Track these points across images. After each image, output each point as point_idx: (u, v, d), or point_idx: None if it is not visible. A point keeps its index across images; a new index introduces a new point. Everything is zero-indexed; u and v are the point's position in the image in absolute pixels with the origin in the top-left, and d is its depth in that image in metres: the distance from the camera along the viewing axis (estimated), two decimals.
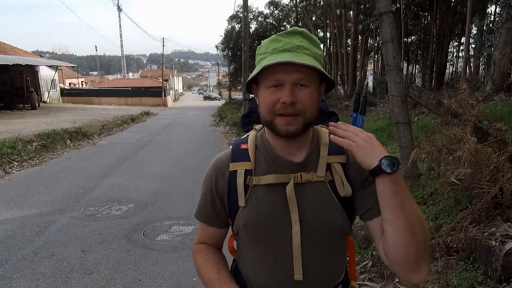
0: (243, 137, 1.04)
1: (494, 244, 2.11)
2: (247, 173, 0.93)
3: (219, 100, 50.37)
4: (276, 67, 0.82)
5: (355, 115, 1.08)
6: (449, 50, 17.51)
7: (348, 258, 1.07)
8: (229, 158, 0.97)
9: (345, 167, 0.93)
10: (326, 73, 0.86)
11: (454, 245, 2.35)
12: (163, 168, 6.92)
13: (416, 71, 19.68)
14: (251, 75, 0.90)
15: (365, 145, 0.82)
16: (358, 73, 21.06)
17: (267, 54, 0.87)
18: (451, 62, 18.03)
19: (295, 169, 0.91)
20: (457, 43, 17.79)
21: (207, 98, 56.17)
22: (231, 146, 1.02)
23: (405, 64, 18.08)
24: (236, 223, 0.95)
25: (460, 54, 16.83)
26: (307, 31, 0.88)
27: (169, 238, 3.74)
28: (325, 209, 0.90)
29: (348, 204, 0.92)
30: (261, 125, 1.02)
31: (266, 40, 0.90)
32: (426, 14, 16.88)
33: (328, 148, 0.93)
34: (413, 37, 18.74)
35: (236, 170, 0.94)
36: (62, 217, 4.28)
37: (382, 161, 0.78)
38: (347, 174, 0.92)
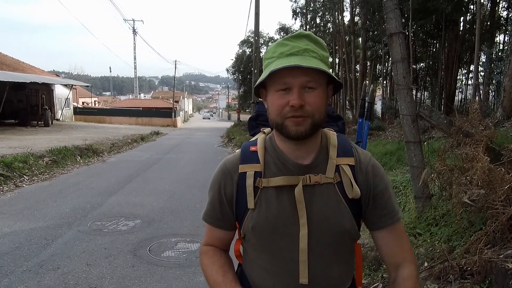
0: (251, 139, 1.04)
1: (510, 267, 2.03)
2: (257, 175, 0.93)
3: (211, 116, 75.80)
4: (283, 71, 0.84)
5: (360, 120, 1.09)
6: (458, 77, 17.59)
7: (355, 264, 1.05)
8: (238, 160, 0.97)
9: (353, 169, 0.93)
10: (333, 75, 0.87)
11: (469, 268, 2.27)
12: (171, 185, 6.93)
13: (425, 98, 19.71)
14: (259, 80, 0.91)
15: None
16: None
17: (274, 59, 0.88)
18: (460, 89, 18.06)
19: (304, 171, 0.91)
20: (466, 71, 17.87)
21: (206, 118, 71.78)
22: (237, 150, 1.03)
23: (414, 91, 18.16)
24: (244, 226, 0.94)
25: (469, 82, 16.87)
26: (312, 34, 0.89)
27: (174, 254, 3.69)
28: (333, 211, 0.90)
29: (356, 207, 0.92)
30: (269, 128, 1.03)
31: (273, 44, 0.92)
32: (435, 41, 17.09)
33: (336, 150, 0.94)
34: (422, 64, 18.91)
35: (246, 172, 0.94)
36: (69, 230, 4.27)
37: None
38: (355, 177, 0.92)
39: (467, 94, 16.96)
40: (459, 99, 18.13)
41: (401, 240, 0.96)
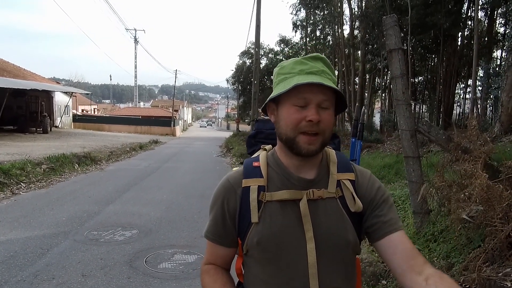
0: (252, 157, 1.06)
1: (509, 285, 2.02)
2: (260, 189, 0.94)
3: (209, 125, 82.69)
4: (304, 87, 0.87)
5: (353, 140, 1.12)
6: (456, 91, 17.74)
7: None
8: (242, 176, 0.98)
9: (354, 184, 0.95)
10: (344, 98, 0.92)
11: (467, 286, 2.26)
12: (169, 195, 6.90)
13: (423, 111, 19.82)
14: (279, 92, 0.90)
15: None
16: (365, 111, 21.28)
17: (292, 74, 0.90)
18: (458, 103, 18.18)
19: (307, 186, 0.93)
20: (464, 85, 18.03)
21: (202, 126, 76.21)
22: (237, 168, 1.04)
23: (412, 104, 18.29)
24: (248, 241, 0.94)
25: (467, 96, 17.01)
26: (326, 58, 0.93)
27: (171, 266, 3.65)
28: (337, 224, 0.91)
29: (357, 221, 0.93)
30: (270, 145, 1.05)
31: (289, 61, 0.94)
32: (433, 56, 17.28)
33: (336, 166, 0.97)
34: (420, 78, 19.08)
35: (249, 186, 0.95)
36: (65, 240, 4.24)
37: None
38: (356, 191, 0.94)
39: (465, 108, 17.07)
40: (457, 113, 18.24)
41: (412, 244, 0.92)
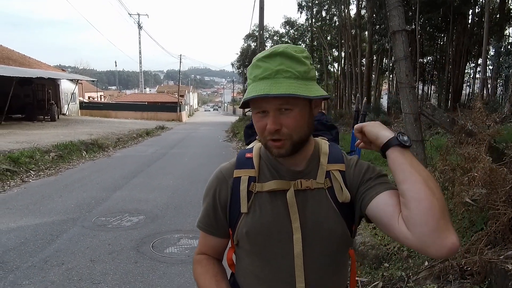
0: (247, 147, 1.07)
1: (511, 268, 2.02)
2: (251, 179, 0.94)
3: (214, 110, 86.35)
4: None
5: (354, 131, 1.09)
6: (466, 71, 17.36)
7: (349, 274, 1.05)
8: (234, 166, 0.99)
9: (343, 174, 0.94)
10: (306, 96, 0.82)
11: (469, 268, 2.27)
12: (175, 181, 6.97)
13: (432, 92, 19.49)
14: (241, 103, 0.91)
15: (376, 124, 0.91)
16: (372, 92, 21.00)
17: (250, 81, 0.88)
18: (468, 83, 17.84)
19: (296, 177, 0.93)
20: (474, 64, 17.63)
21: (207, 110, 79.91)
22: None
23: (421, 85, 17.97)
24: (238, 231, 0.95)
25: (477, 75, 16.66)
26: (288, 49, 0.85)
27: (177, 251, 3.73)
28: (325, 216, 0.91)
29: (347, 212, 0.92)
30: None
31: (250, 65, 0.90)
32: (442, 35, 16.85)
33: (327, 157, 0.96)
34: (429, 58, 18.68)
35: (240, 177, 0.95)
36: (73, 226, 4.33)
37: (399, 135, 0.84)
38: (345, 181, 0.93)
39: (475, 88, 16.74)
40: (467, 93, 17.91)
41: (397, 199, 0.82)
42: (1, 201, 5.40)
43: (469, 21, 15.27)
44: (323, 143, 0.99)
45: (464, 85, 16.96)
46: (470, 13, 14.97)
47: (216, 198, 0.98)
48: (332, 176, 0.93)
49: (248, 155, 0.99)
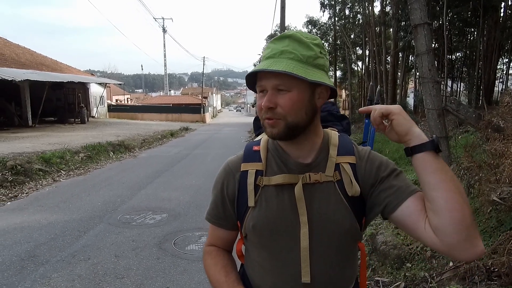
0: (255, 139, 1.06)
1: None
2: (258, 173, 0.94)
3: (238, 111, 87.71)
4: (260, 74, 0.86)
5: (367, 121, 1.06)
6: (498, 67, 16.56)
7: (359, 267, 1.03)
8: (241, 160, 0.99)
9: (354, 167, 0.91)
10: (298, 76, 0.81)
11: (496, 269, 2.17)
12: (198, 180, 7.08)
13: (462, 89, 18.73)
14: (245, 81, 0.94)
15: (403, 113, 0.82)
16: (398, 90, 20.47)
17: (263, 59, 0.90)
18: (501, 79, 17.01)
19: (304, 170, 0.91)
20: (507, 60, 16.78)
21: (230, 110, 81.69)
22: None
23: (449, 82, 17.32)
24: (245, 225, 0.95)
25: (511, 71, 15.85)
26: (298, 34, 0.87)
27: (198, 248, 3.78)
28: (333, 209, 0.89)
29: (357, 205, 0.90)
30: None
31: None
32: (472, 29, 16.16)
33: (337, 148, 0.93)
34: (458, 54, 17.96)
35: (247, 170, 0.95)
36: (100, 223, 4.50)
37: (436, 138, 0.80)
38: (356, 175, 0.90)
39: (508, 84, 15.93)
40: (499, 90, 17.08)
41: (423, 204, 0.83)
42: (34, 199, 5.68)
43: (501, 14, 14.55)
44: (333, 134, 0.97)
45: (496, 81, 16.16)
46: (502, 6, 14.26)
47: (224, 191, 0.99)
48: (342, 168, 0.90)
49: (255, 148, 0.98)
